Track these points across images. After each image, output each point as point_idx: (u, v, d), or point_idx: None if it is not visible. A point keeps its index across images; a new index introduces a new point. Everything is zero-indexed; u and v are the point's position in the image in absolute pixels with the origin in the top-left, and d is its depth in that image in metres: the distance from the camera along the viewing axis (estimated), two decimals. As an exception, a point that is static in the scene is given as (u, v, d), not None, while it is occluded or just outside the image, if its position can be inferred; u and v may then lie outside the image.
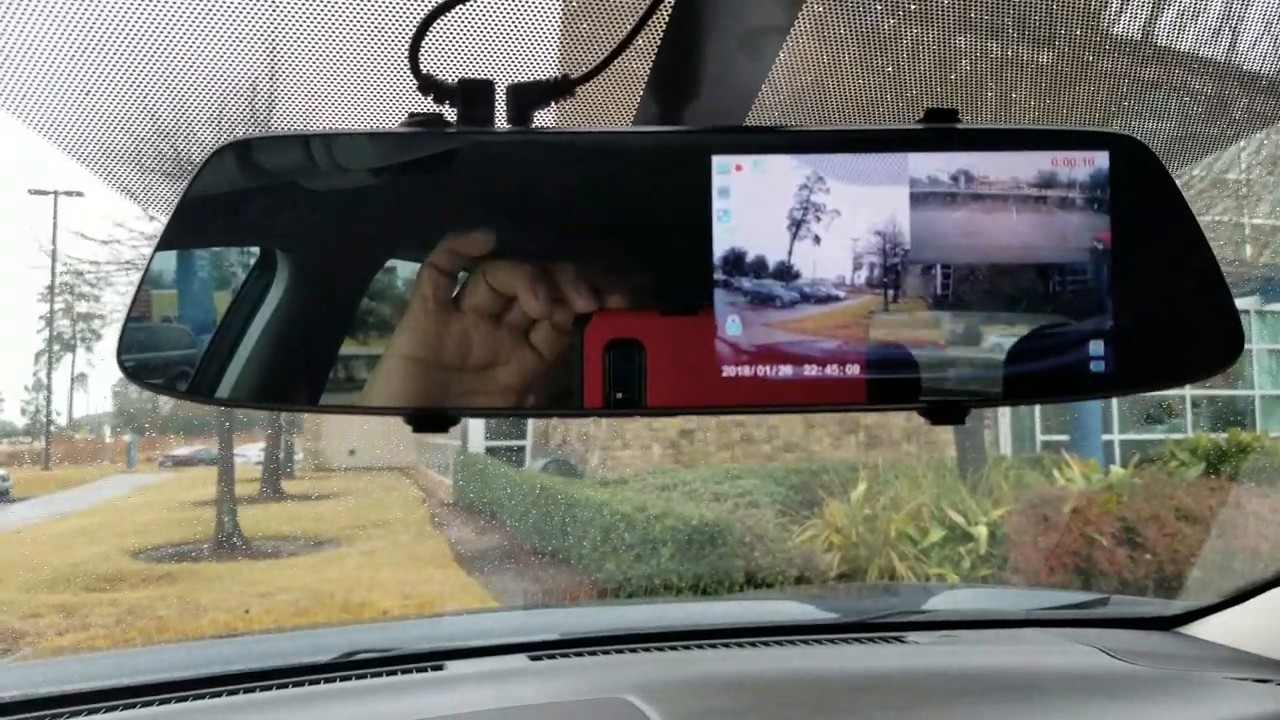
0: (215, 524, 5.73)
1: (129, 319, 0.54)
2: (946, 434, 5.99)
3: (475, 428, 6.97)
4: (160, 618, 4.72)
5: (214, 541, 5.61)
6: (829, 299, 0.53)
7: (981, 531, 4.98)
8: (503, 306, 0.51)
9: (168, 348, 0.56)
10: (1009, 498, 5.30)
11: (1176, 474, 5.12)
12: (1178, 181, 0.54)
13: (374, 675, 1.40)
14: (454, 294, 0.52)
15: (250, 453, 6.91)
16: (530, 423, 6.92)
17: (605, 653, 1.54)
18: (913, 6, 0.69)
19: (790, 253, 0.52)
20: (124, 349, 0.54)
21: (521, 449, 7.45)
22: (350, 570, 5.40)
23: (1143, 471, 5.30)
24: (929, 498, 5.23)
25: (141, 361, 0.55)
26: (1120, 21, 0.80)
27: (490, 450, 7.36)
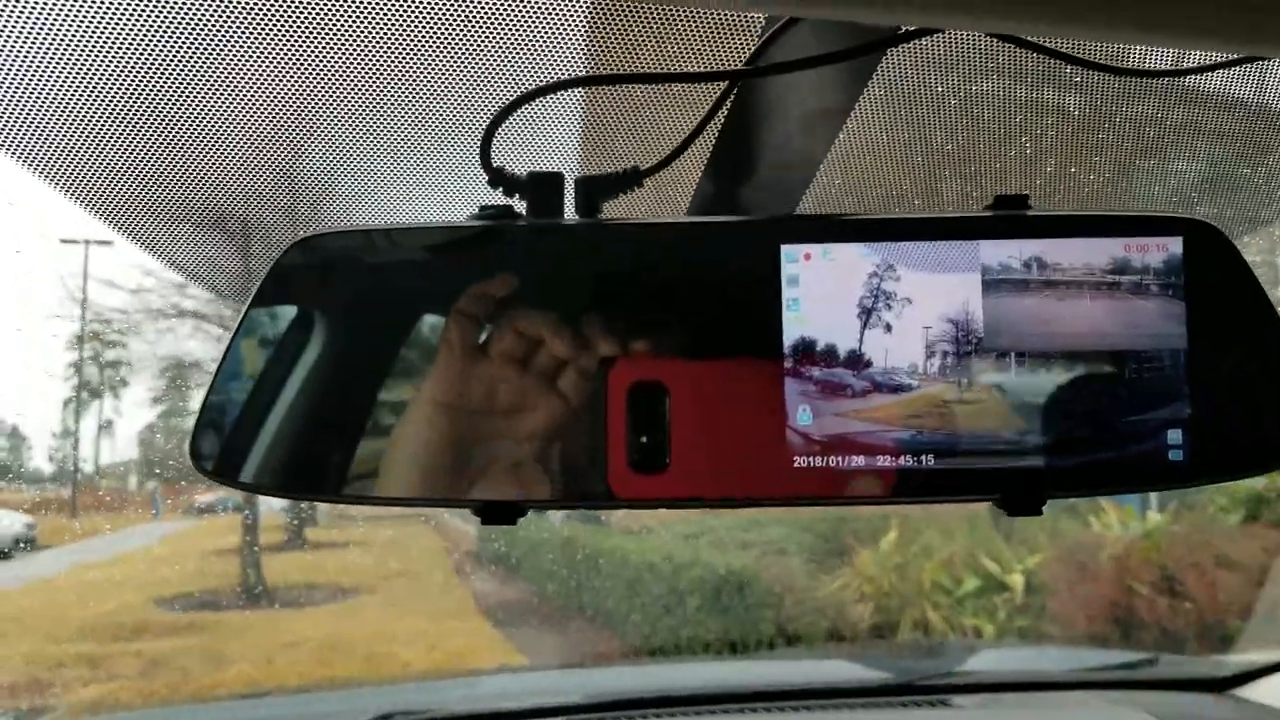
0: (240, 573, 5.73)
1: (204, 406, 0.55)
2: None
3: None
4: (185, 668, 4.70)
5: (238, 591, 5.59)
6: (901, 388, 0.52)
7: (1017, 580, 4.87)
8: (529, 351, 0.52)
9: (237, 434, 0.56)
10: (1044, 545, 5.18)
11: (1216, 520, 4.99)
12: (1250, 263, 0.54)
13: (410, 741, 1.38)
14: (482, 341, 0.52)
15: (274, 501, 6.92)
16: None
17: (642, 716, 1.52)
18: (973, 87, 0.70)
19: (861, 341, 0.52)
20: (196, 437, 0.55)
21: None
22: (374, 621, 5.35)
23: (1181, 518, 5.17)
24: (961, 545, 5.12)
25: (207, 449, 0.56)
26: (1184, 95, 0.80)
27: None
